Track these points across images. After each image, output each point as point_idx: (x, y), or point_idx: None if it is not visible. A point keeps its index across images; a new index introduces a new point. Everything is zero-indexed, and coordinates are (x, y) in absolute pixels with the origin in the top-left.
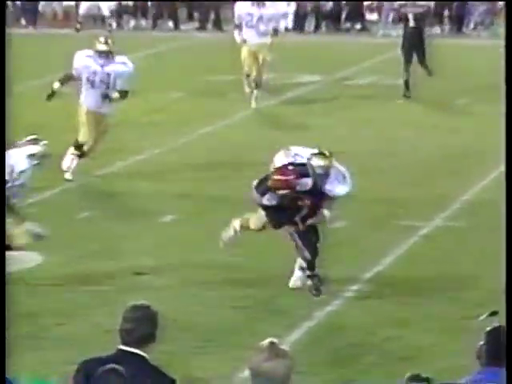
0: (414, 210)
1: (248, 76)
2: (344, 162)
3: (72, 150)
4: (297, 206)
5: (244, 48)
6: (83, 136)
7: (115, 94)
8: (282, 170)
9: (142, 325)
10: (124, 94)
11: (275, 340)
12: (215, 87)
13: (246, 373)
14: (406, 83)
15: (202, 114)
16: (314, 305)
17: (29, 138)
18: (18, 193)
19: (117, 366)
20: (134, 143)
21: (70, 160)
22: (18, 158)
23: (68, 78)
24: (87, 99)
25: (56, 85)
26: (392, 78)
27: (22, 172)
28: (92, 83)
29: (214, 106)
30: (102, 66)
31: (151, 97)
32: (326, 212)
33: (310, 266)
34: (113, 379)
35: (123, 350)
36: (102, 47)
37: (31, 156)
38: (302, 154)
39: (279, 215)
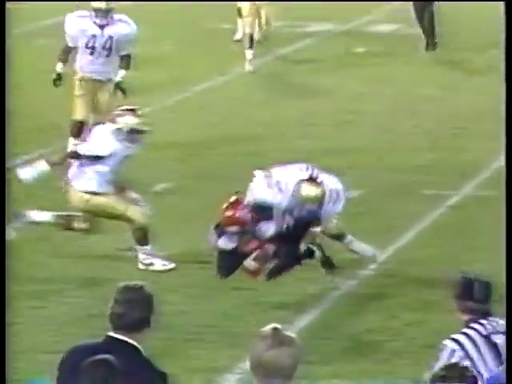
0: (439, 177)
1: (251, 36)
2: (362, 122)
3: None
4: (250, 252)
5: (245, 4)
6: (80, 113)
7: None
8: (235, 205)
9: (135, 308)
10: (127, 60)
11: (279, 326)
12: (214, 36)
13: (248, 363)
14: (428, 31)
15: (197, 68)
16: (326, 285)
17: (124, 106)
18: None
19: (108, 357)
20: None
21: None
22: (99, 139)
23: (68, 52)
24: (86, 68)
25: (59, 66)
26: (415, 26)
27: (100, 157)
28: (92, 50)
29: (212, 60)
30: (101, 28)
31: (141, 47)
32: (317, 230)
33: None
34: (103, 372)
35: (113, 338)
36: (100, 4)
37: (118, 131)
38: (285, 180)
39: (230, 261)
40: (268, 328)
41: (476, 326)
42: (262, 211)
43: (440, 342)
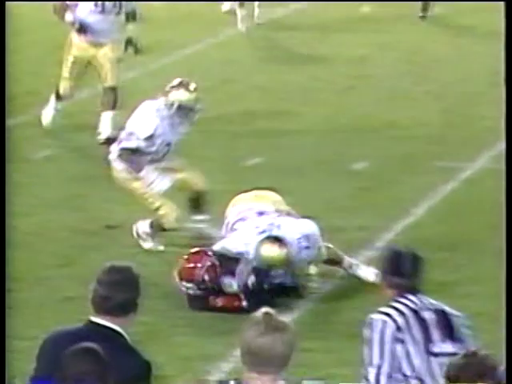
0: (453, 147)
1: None
2: (367, 87)
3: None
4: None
5: None
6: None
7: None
8: (197, 258)
9: (121, 291)
10: (133, 16)
11: (271, 311)
12: None
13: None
14: None
15: (186, 30)
16: (328, 267)
17: (177, 80)
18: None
19: (94, 346)
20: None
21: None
22: (142, 118)
23: (63, 9)
24: (94, 27)
25: (68, 16)
26: None
27: (147, 138)
28: (102, 7)
29: (201, 21)
30: None
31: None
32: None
33: None
34: (88, 362)
35: (95, 323)
36: None
37: (168, 107)
38: (245, 249)
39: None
40: (259, 312)
41: (404, 300)
42: (227, 262)
43: None
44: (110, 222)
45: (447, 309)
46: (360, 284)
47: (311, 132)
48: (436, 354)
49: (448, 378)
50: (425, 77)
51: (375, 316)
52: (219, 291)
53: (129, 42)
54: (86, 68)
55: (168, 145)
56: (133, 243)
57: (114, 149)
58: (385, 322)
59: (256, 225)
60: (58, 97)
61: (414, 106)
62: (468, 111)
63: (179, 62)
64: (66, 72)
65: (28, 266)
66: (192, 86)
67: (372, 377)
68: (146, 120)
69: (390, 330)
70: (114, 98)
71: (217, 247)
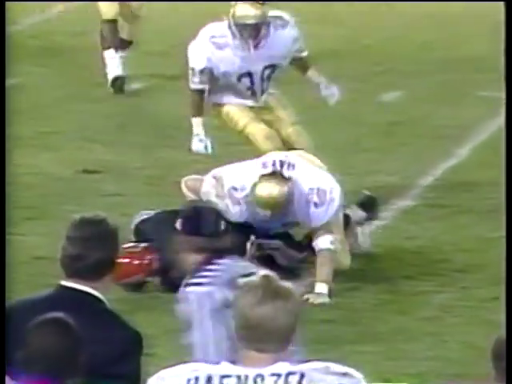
0: (500, 74)
1: None
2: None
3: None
4: None
5: None
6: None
7: None
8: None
9: (95, 248)
10: None
11: (271, 273)
12: None
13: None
14: None
15: None
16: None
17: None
18: None
19: (61, 316)
20: None
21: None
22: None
23: None
24: None
25: None
26: None
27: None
28: None
29: None
30: None
31: None
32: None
33: None
34: (54, 335)
35: (66, 287)
36: None
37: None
38: (242, 182)
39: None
40: (257, 276)
41: (212, 265)
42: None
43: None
44: (88, 165)
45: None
46: (390, 241)
47: (331, 55)
48: None
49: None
50: None
51: (188, 288)
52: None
53: None
54: None
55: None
56: (115, 191)
57: None
58: (196, 293)
59: (264, 160)
60: None
61: (452, 25)
62: None
63: None
64: None
65: None
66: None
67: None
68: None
69: (204, 300)
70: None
71: (207, 178)
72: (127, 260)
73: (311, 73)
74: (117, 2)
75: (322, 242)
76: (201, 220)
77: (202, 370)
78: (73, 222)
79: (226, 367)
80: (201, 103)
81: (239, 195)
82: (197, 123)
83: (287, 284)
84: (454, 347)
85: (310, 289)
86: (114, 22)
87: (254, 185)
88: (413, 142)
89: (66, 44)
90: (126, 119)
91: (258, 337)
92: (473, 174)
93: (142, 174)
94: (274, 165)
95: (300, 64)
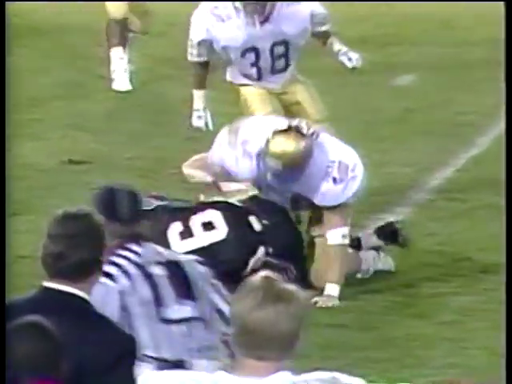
0: None
1: None
2: None
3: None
4: None
5: None
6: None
7: None
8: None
9: (79, 246)
10: None
11: (272, 274)
12: None
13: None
14: None
15: None
16: (362, 214)
17: None
18: None
19: (39, 320)
20: None
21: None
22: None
23: None
24: None
25: None
26: None
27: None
28: None
29: None
30: None
31: None
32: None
33: None
34: (31, 341)
35: (50, 289)
36: None
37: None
38: (256, 137)
39: None
40: (258, 277)
41: (125, 252)
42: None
43: None
44: (75, 155)
45: (183, 259)
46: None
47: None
48: (170, 321)
49: None
50: None
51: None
52: None
53: None
54: None
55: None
56: (104, 184)
57: None
58: (105, 286)
59: (280, 120)
60: None
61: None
62: None
63: None
64: None
65: None
66: None
67: None
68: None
69: (113, 295)
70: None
71: (223, 130)
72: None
73: (331, 40)
74: (125, 2)
75: (334, 237)
76: (116, 203)
77: (193, 379)
78: (54, 217)
79: (221, 377)
80: (202, 76)
81: (252, 149)
82: (197, 97)
83: (290, 286)
84: (475, 354)
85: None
86: (123, 20)
87: (268, 140)
88: (430, 129)
89: (50, 23)
90: (115, 105)
91: (257, 343)
92: (496, 166)
93: (134, 165)
94: (295, 121)
95: (320, 37)
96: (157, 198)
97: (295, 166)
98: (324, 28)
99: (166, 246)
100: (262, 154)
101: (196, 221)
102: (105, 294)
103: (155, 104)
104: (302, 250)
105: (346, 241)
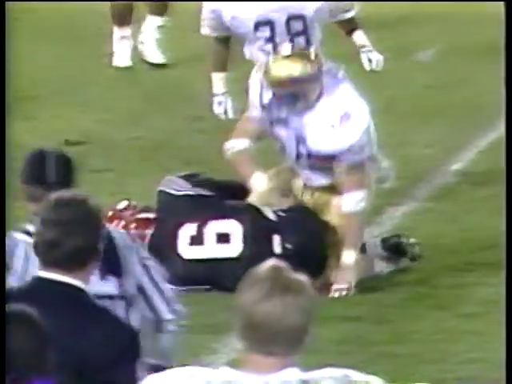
0: None
1: None
2: None
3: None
4: None
5: None
6: None
7: None
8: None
9: (75, 233)
10: None
11: (280, 264)
12: None
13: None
14: None
15: None
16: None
17: None
18: None
19: (24, 310)
20: None
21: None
22: None
23: None
24: None
25: None
26: None
27: None
28: None
29: None
30: None
31: None
32: None
33: None
34: (18, 334)
35: (43, 279)
36: None
37: None
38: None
39: None
40: (265, 266)
41: None
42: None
43: None
44: (71, 136)
45: (116, 234)
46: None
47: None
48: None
49: None
50: None
51: (17, 234)
52: None
53: None
54: None
55: None
56: (103, 166)
57: None
58: (29, 245)
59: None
60: None
61: None
62: None
63: None
64: None
65: None
66: None
67: None
68: None
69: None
70: None
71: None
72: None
73: (357, 35)
74: None
75: (348, 203)
76: (45, 165)
77: (198, 375)
78: (48, 201)
79: (226, 373)
80: (222, 56)
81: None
82: (217, 80)
83: (300, 276)
84: (499, 348)
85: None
86: None
87: (268, 63)
88: (454, 107)
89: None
90: (115, 81)
91: (263, 338)
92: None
93: (136, 146)
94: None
95: (345, 25)
96: (189, 177)
97: (302, 93)
98: (348, 15)
99: (172, 245)
100: (265, 79)
101: (212, 228)
102: (27, 250)
103: (157, 81)
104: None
105: (362, 205)
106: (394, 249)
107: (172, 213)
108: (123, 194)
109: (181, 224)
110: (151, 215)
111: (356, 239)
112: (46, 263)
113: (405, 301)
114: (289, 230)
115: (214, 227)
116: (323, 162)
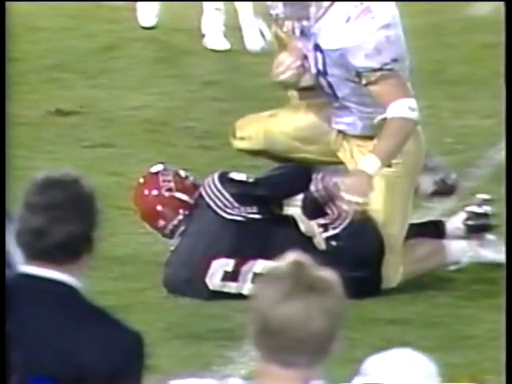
0: None
1: None
2: None
3: None
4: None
5: None
6: None
7: None
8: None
9: (66, 219)
10: None
11: (303, 259)
12: None
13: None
14: None
15: None
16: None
17: None
18: None
19: None
20: None
21: None
22: None
23: None
24: None
25: None
26: None
27: None
28: None
29: None
30: None
31: None
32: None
33: None
34: None
35: (28, 276)
36: None
37: None
38: None
39: None
40: (286, 262)
41: None
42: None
43: None
44: (63, 105)
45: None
46: None
47: None
48: None
49: None
50: None
51: None
52: None
53: None
54: None
55: None
56: (100, 140)
57: None
58: None
59: None
60: None
61: None
62: None
63: None
64: None
65: None
66: None
67: None
68: None
69: None
70: None
71: None
72: (168, 194)
73: None
74: None
75: (397, 109)
76: None
77: None
78: (34, 182)
79: None
80: None
81: None
82: (242, 9)
83: (327, 273)
84: None
85: None
86: None
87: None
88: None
89: None
90: (114, 40)
91: (282, 346)
92: None
93: (138, 117)
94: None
95: None
96: (240, 184)
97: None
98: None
99: (200, 270)
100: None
101: (250, 267)
102: None
103: (162, 39)
104: None
105: (414, 114)
106: (481, 229)
107: (212, 233)
108: (123, 174)
109: (217, 256)
110: (190, 200)
111: (393, 149)
112: (32, 255)
113: (460, 300)
114: (342, 263)
115: (253, 266)
116: (340, 71)
